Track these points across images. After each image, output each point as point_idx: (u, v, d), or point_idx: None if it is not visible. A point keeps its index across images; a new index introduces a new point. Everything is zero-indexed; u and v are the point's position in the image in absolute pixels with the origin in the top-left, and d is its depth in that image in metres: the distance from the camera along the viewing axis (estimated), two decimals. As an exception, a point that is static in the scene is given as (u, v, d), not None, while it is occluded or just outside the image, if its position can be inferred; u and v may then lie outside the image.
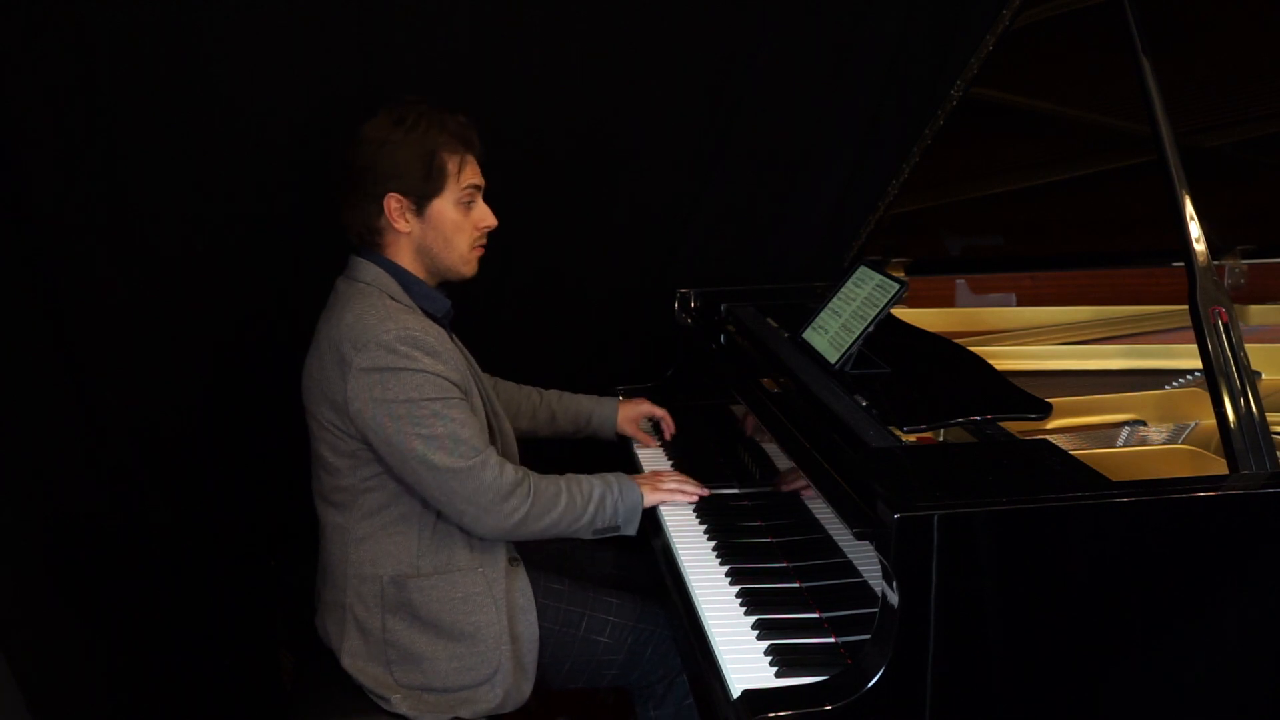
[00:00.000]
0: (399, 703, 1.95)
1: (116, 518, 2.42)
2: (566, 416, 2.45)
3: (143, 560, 2.46)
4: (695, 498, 2.17)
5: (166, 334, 2.44)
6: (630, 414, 2.49)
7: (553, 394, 2.46)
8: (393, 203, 1.95)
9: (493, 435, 2.06)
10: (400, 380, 1.87)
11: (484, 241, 2.05)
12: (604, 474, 2.09)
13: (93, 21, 2.20)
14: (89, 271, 2.34)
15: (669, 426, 2.50)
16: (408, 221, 1.97)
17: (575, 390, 2.52)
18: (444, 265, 2.02)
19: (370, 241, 2.00)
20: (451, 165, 1.97)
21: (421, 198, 1.96)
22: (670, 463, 2.42)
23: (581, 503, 2.00)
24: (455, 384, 1.93)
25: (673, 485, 2.16)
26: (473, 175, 2.01)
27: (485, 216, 2.03)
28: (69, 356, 2.34)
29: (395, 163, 1.93)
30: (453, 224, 1.99)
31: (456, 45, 2.45)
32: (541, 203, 2.06)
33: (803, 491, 1.92)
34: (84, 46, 2.21)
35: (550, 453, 2.41)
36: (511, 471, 1.94)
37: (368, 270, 1.98)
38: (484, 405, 2.05)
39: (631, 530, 2.07)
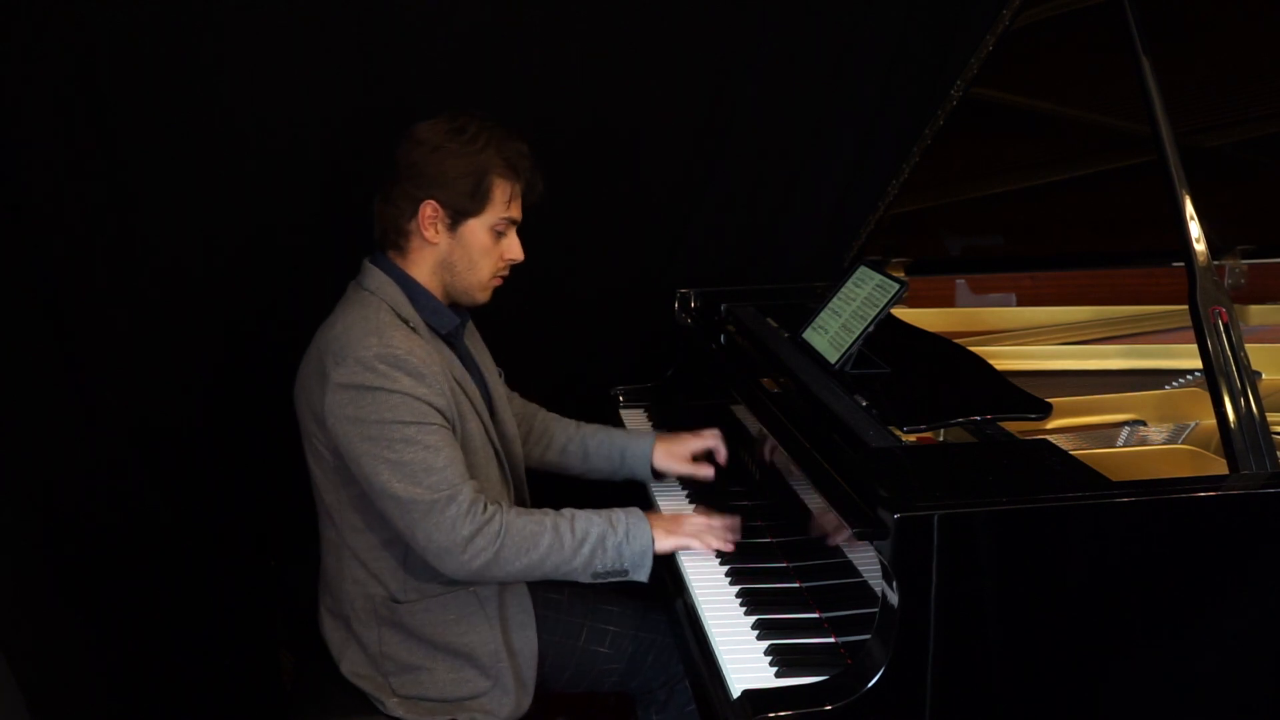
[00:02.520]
0: (396, 706, 1.94)
1: (116, 518, 2.42)
2: (600, 454, 2.23)
3: (143, 560, 2.46)
4: (723, 545, 1.94)
5: (166, 334, 2.43)
6: (673, 450, 2.21)
7: (590, 429, 2.28)
8: (428, 210, 1.87)
9: (499, 461, 1.99)
10: (375, 400, 1.77)
11: (506, 272, 1.99)
12: (613, 510, 1.90)
13: (93, 21, 2.20)
14: (89, 271, 2.34)
15: (721, 451, 2.22)
16: (437, 233, 1.89)
17: (574, 391, 2.50)
18: (462, 285, 1.95)
19: (394, 242, 1.93)
20: (499, 191, 1.90)
21: (459, 213, 1.89)
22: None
23: (571, 544, 1.83)
24: (439, 409, 1.82)
25: (699, 526, 1.94)
26: (515, 209, 1.94)
27: (514, 249, 1.96)
28: (69, 356, 2.34)
29: (443, 171, 1.86)
30: (481, 248, 1.92)
31: (456, 45, 2.45)
32: (541, 202, 2.06)
33: (803, 492, 1.92)
34: (84, 46, 2.21)
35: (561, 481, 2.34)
36: (481, 509, 1.79)
37: (375, 278, 1.91)
38: (483, 428, 1.95)
39: (641, 576, 1.87)
